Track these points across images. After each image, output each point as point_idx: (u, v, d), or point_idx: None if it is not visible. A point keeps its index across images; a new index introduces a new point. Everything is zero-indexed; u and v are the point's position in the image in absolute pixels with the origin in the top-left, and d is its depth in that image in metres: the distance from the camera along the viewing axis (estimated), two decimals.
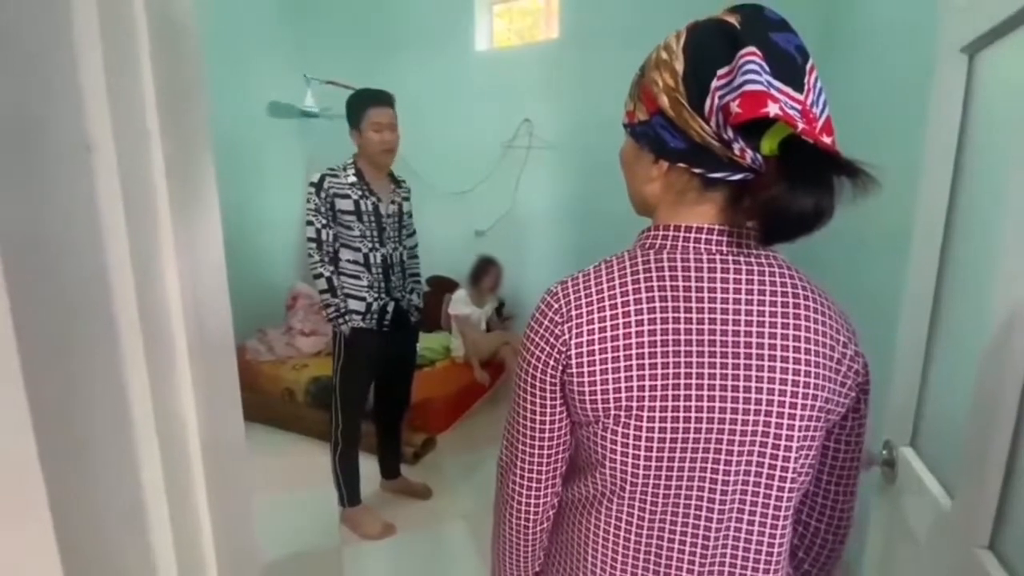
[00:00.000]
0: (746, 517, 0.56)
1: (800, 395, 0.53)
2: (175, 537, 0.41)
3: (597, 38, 3.31)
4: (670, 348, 0.53)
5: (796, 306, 0.54)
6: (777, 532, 0.57)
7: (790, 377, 0.53)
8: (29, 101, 0.34)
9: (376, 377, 2.07)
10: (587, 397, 0.55)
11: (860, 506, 0.67)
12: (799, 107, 0.47)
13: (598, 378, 0.54)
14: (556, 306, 0.58)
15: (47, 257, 0.34)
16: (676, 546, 0.57)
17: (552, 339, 0.57)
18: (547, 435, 0.60)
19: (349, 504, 2.06)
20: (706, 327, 0.53)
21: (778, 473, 0.55)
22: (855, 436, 0.61)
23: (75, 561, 0.36)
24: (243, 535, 0.52)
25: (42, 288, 0.33)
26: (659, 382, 0.53)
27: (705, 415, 0.53)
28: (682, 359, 0.53)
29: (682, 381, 0.53)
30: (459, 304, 3.13)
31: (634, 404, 0.54)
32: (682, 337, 0.53)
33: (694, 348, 0.53)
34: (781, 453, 0.54)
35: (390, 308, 1.96)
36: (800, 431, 0.54)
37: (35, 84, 0.34)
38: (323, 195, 1.80)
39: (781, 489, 0.55)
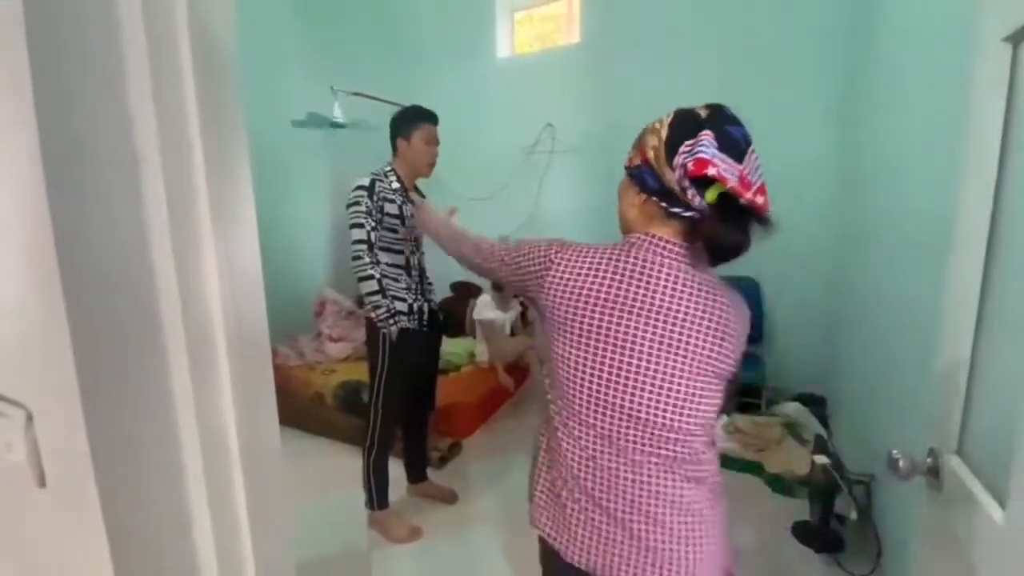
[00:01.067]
0: (662, 448, 0.79)
1: (694, 360, 0.78)
2: (216, 538, 0.42)
3: (618, 42, 3.30)
4: (616, 305, 0.79)
5: (708, 300, 0.79)
6: (676, 464, 0.80)
7: (692, 347, 0.78)
8: (82, 117, 0.36)
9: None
10: (552, 303, 0.84)
11: (906, 518, 0.65)
12: (737, 173, 0.71)
13: (564, 294, 0.83)
14: (557, 248, 0.90)
15: (99, 261, 0.35)
16: (610, 463, 0.81)
17: (543, 259, 0.89)
18: (518, 271, 0.94)
19: (378, 507, 2.08)
20: (648, 300, 0.79)
21: (679, 415, 0.79)
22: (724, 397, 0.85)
23: (124, 559, 0.37)
24: (280, 536, 0.53)
25: (94, 289, 0.35)
26: (603, 319, 0.79)
27: (628, 357, 0.78)
28: (624, 313, 0.79)
29: (617, 325, 0.79)
30: (484, 309, 3.14)
31: (583, 328, 0.81)
32: (628, 301, 0.79)
33: (635, 310, 0.78)
34: (708, 395, 0.80)
35: (426, 309, 2.02)
36: (695, 386, 0.79)
37: (87, 101, 0.36)
38: (375, 198, 1.84)
39: (680, 428, 0.79)
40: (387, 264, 1.91)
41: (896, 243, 1.75)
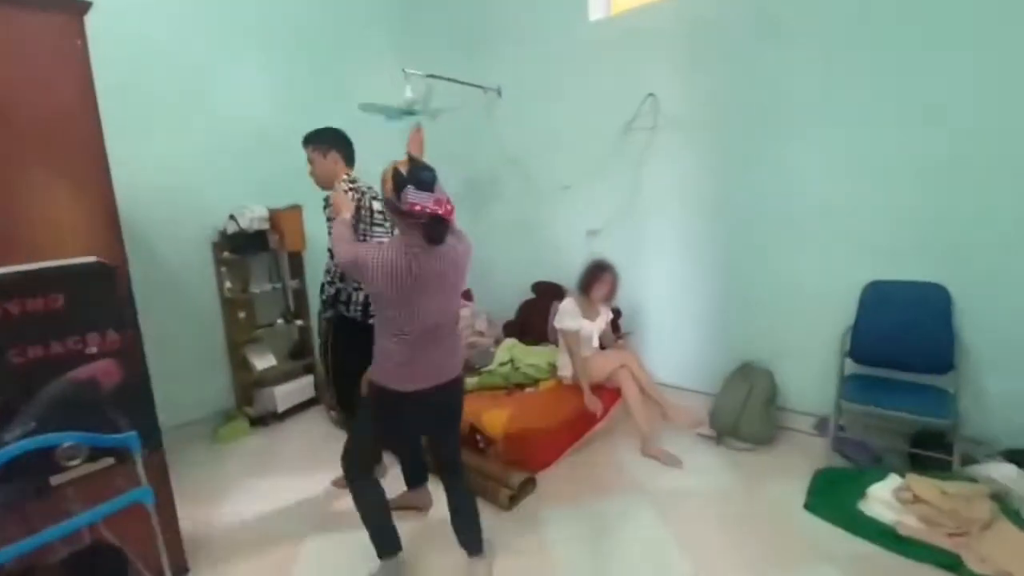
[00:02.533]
0: (436, 329, 1.56)
1: (440, 288, 1.53)
2: None
3: None
4: (402, 273, 1.46)
5: (440, 261, 1.51)
6: (456, 343, 1.68)
7: (436, 284, 1.51)
8: None
9: None
10: (373, 282, 1.49)
11: None
12: (433, 199, 1.43)
13: (375, 275, 1.47)
14: (368, 254, 1.52)
15: None
16: (426, 354, 1.56)
17: (362, 261, 1.51)
18: (356, 271, 1.57)
19: None
20: (415, 267, 1.47)
21: (452, 312, 1.64)
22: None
23: None
24: None
25: None
26: (396, 283, 1.46)
27: (413, 296, 1.49)
28: (405, 277, 1.46)
29: (402, 284, 1.47)
30: (566, 316, 2.66)
31: (390, 288, 1.47)
32: (406, 270, 1.46)
33: (411, 274, 1.46)
34: (451, 302, 1.62)
35: None
36: (456, 294, 1.63)
37: None
38: None
39: (442, 319, 1.57)
40: None
41: None
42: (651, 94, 2.93)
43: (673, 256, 3.03)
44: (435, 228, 1.44)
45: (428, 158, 1.76)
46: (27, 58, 1.46)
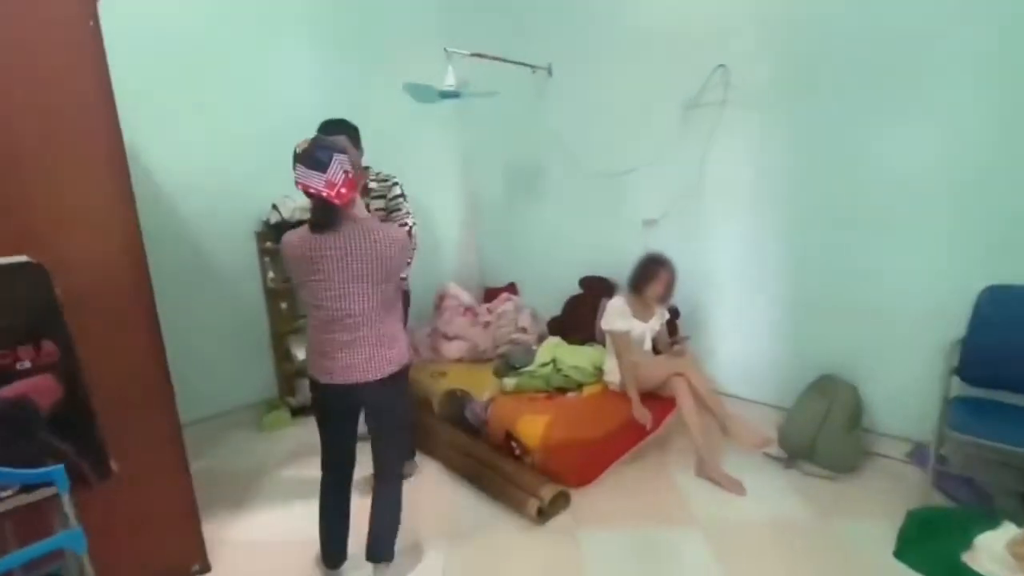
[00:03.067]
0: (350, 318, 1.48)
1: (361, 272, 1.44)
2: None
3: None
4: (312, 263, 1.43)
5: (358, 242, 1.42)
6: (378, 341, 1.53)
7: (346, 270, 1.44)
8: None
9: None
10: (285, 262, 1.54)
11: None
12: (324, 180, 1.36)
13: (286, 259, 1.52)
14: (289, 237, 1.51)
15: None
16: (337, 328, 1.49)
17: (285, 252, 1.52)
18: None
19: None
20: (326, 254, 1.42)
21: (364, 306, 1.48)
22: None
23: None
24: None
25: None
26: (309, 270, 1.45)
27: (325, 283, 1.45)
28: (315, 264, 1.43)
29: (314, 272, 1.44)
30: (614, 316, 2.42)
31: (306, 278, 1.46)
32: (316, 257, 1.43)
33: (321, 259, 1.42)
34: (366, 291, 1.47)
35: None
36: (370, 286, 1.46)
37: None
38: None
39: (371, 312, 1.50)
40: None
41: None
42: (721, 65, 2.57)
43: (741, 250, 2.68)
44: (319, 211, 1.40)
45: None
46: (38, 41, 1.39)
